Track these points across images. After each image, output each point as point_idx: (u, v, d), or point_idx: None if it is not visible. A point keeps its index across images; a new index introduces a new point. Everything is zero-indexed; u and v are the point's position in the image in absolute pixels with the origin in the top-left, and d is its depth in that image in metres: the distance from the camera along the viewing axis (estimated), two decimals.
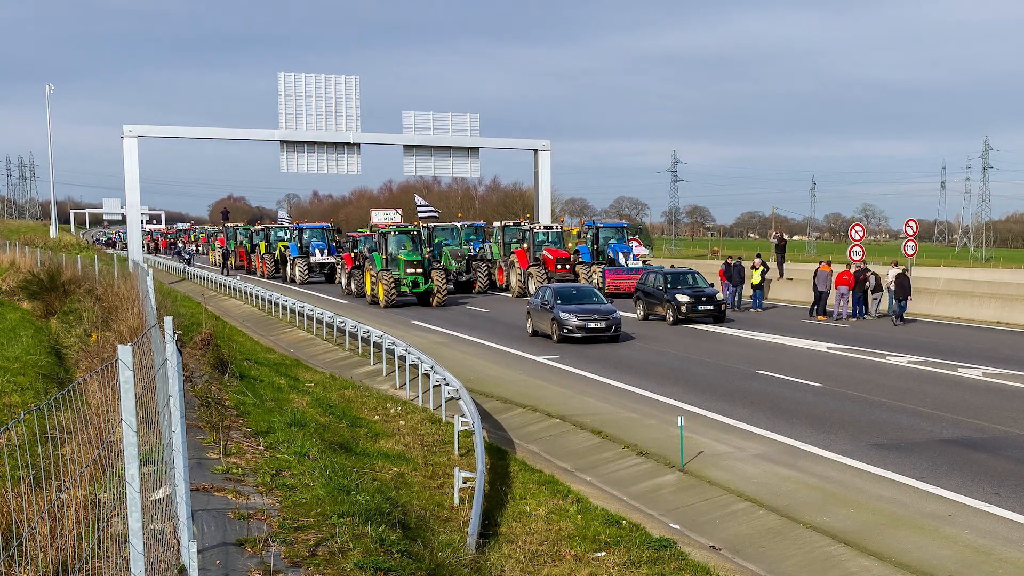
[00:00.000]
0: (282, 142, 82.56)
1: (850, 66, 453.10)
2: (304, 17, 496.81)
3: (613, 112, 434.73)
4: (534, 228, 62.72)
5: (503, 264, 63.89)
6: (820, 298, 46.10)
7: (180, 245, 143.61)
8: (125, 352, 7.83)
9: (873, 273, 46.20)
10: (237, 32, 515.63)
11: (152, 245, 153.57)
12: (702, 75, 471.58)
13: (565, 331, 36.63)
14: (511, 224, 68.45)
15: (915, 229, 62.33)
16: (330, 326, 40.77)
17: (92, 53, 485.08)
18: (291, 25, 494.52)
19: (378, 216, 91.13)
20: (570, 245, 68.05)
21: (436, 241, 68.10)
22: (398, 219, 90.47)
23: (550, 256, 60.11)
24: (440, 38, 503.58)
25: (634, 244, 64.01)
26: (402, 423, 24.20)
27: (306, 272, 75.59)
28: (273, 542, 11.70)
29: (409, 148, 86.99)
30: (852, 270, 45.24)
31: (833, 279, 45.76)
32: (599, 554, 15.03)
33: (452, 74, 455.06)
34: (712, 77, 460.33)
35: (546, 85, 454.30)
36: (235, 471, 15.33)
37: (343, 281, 65.90)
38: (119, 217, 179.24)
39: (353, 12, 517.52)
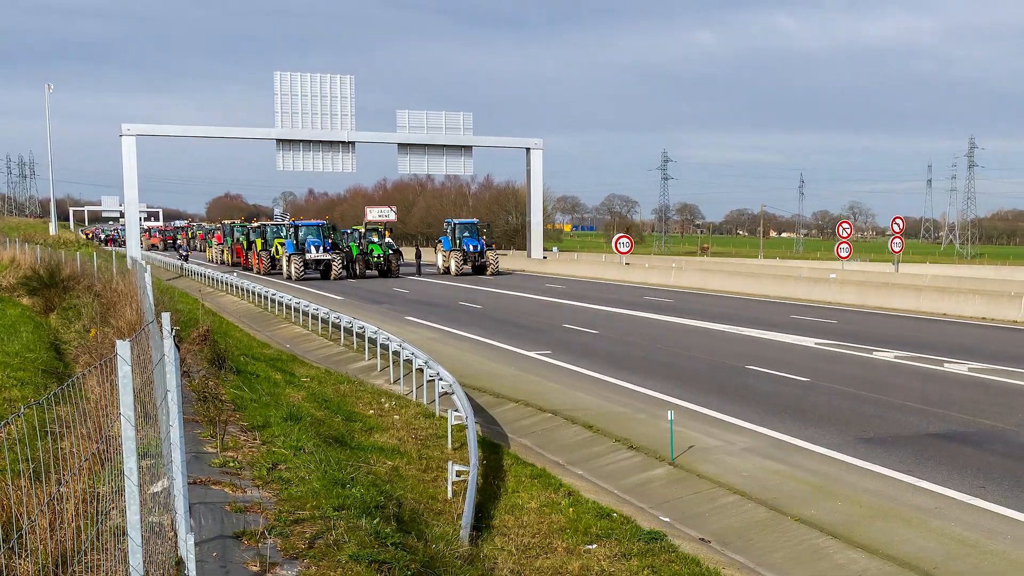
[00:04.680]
0: (278, 140, 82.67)
1: (841, 66, 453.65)
2: (300, 16, 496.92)
3: (607, 109, 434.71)
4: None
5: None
6: None
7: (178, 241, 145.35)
8: (123, 348, 7.83)
9: None
10: (235, 32, 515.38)
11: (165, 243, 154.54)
12: (691, 74, 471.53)
13: None
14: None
15: (901, 226, 62.63)
16: (325, 322, 40.74)
17: (92, 53, 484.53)
18: (287, 24, 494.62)
19: (372, 213, 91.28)
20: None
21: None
22: (392, 216, 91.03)
23: None
24: (436, 37, 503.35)
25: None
26: (396, 417, 24.19)
27: (301, 268, 75.46)
28: (270, 535, 11.70)
29: (403, 147, 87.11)
30: None
31: None
32: (590, 546, 15.03)
33: (447, 73, 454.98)
34: (703, 77, 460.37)
35: (540, 83, 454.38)
36: (232, 465, 15.33)
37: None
38: (118, 214, 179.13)
39: (350, 11, 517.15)
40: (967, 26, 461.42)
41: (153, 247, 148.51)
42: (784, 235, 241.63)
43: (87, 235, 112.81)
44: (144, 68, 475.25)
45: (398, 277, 79.00)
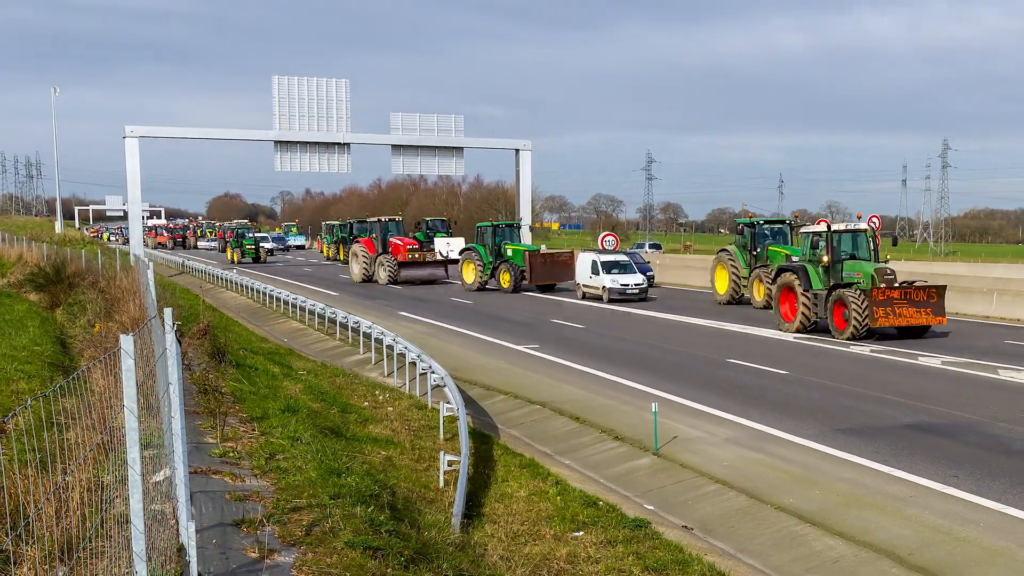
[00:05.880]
0: (276, 142, 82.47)
1: (815, 69, 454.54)
2: (297, 21, 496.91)
3: (591, 110, 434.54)
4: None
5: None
6: None
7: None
8: (127, 342, 7.82)
9: None
10: (234, 37, 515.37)
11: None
12: (677, 74, 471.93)
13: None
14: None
15: (877, 225, 62.58)
16: (321, 317, 40.74)
17: (97, 56, 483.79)
18: (285, 29, 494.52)
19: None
20: None
21: None
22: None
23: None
24: (427, 41, 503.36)
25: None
26: (390, 409, 24.20)
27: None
28: (268, 523, 11.70)
29: (397, 148, 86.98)
30: None
31: None
32: (577, 533, 15.06)
33: (439, 76, 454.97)
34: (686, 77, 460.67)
35: (527, 85, 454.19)
36: (231, 455, 15.33)
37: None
38: (121, 213, 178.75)
39: (343, 16, 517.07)
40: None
41: (161, 245, 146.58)
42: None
43: (92, 234, 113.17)
44: (147, 70, 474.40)
45: None
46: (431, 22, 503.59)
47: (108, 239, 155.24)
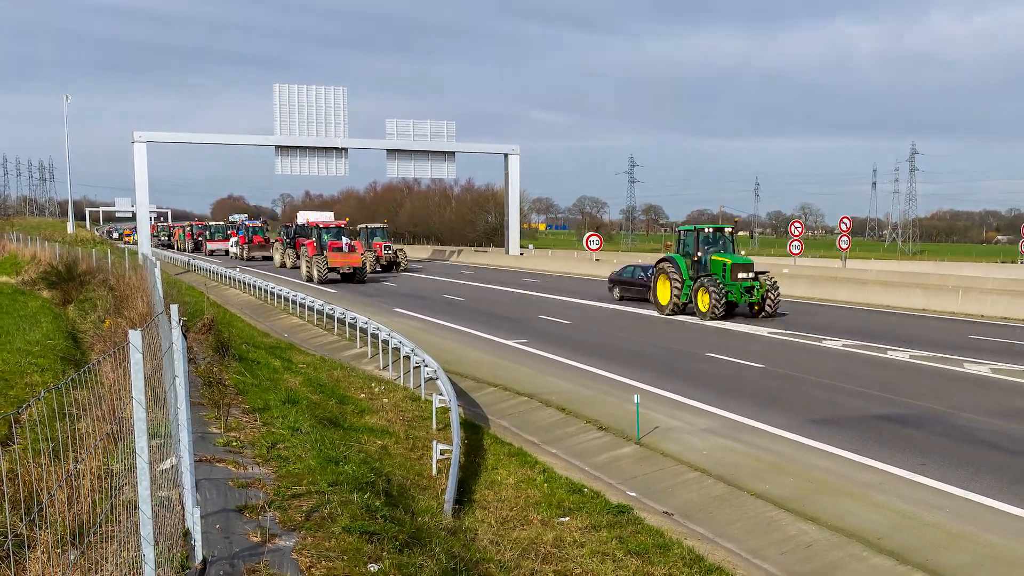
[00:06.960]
0: (277, 147, 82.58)
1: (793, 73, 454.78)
2: (297, 32, 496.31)
3: (580, 115, 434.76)
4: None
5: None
6: None
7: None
8: (135, 337, 7.83)
9: None
10: (238, 46, 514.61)
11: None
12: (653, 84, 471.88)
13: None
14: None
15: (849, 225, 62.80)
16: (320, 313, 40.69)
17: (107, 63, 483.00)
18: (286, 39, 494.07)
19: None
20: None
21: None
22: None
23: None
24: (421, 49, 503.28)
25: None
26: (385, 400, 24.18)
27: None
28: (269, 508, 11.71)
29: (392, 152, 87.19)
30: None
31: None
32: (563, 519, 15.07)
33: (431, 83, 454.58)
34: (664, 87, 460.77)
35: (516, 90, 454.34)
36: (235, 444, 15.33)
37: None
38: (130, 215, 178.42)
39: (341, 25, 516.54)
40: None
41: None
42: (741, 234, 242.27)
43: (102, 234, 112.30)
44: (154, 77, 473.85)
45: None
46: (429, 23, 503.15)
47: (133, 240, 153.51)
